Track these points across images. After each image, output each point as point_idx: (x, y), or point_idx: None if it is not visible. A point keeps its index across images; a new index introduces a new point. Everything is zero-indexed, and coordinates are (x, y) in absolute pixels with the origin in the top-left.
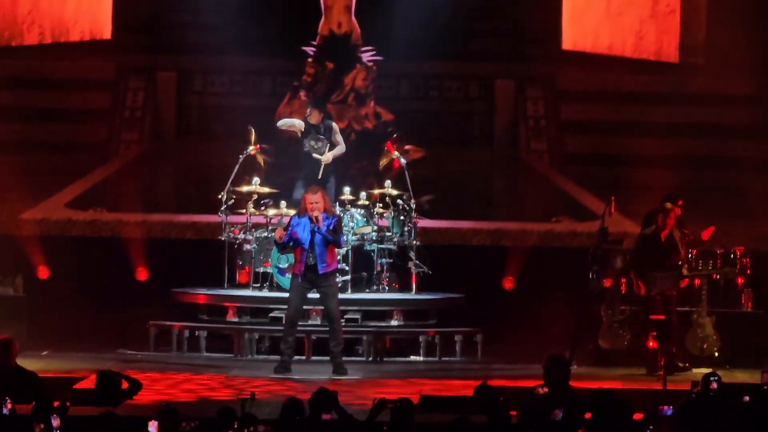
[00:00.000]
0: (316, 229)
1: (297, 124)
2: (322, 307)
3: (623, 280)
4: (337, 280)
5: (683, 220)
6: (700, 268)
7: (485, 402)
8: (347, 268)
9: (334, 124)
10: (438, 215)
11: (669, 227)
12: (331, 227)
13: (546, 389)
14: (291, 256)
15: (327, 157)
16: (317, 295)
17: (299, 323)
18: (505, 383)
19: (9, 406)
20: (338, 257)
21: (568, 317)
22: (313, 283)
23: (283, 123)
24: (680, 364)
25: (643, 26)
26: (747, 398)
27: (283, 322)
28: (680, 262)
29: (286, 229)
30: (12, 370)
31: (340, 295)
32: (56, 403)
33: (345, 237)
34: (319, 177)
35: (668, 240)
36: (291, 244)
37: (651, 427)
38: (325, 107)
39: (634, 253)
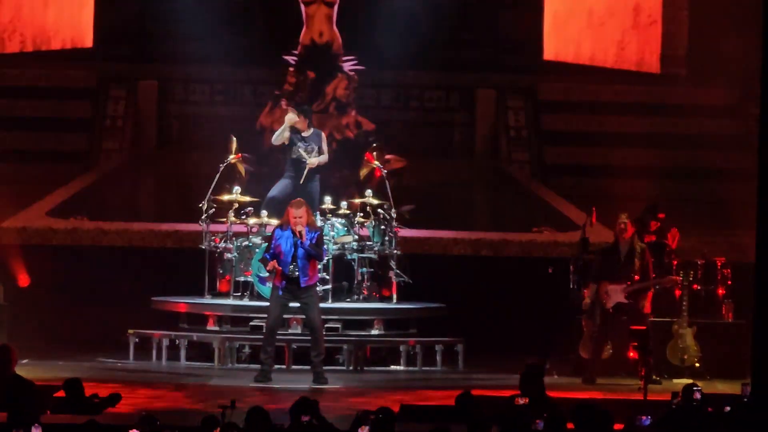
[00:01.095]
0: (299, 244)
1: (286, 134)
2: (304, 317)
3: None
4: (318, 289)
5: (664, 230)
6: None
7: (467, 411)
8: (328, 277)
9: (322, 132)
10: (419, 225)
11: (626, 240)
12: (314, 241)
13: (526, 399)
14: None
15: (312, 161)
16: (298, 304)
17: (280, 332)
18: (485, 393)
19: None
20: (319, 267)
21: (548, 327)
22: (294, 295)
23: (277, 138)
24: (655, 377)
25: (624, 37)
26: (728, 408)
27: (264, 332)
28: (633, 274)
29: (269, 241)
30: (10, 378)
31: (321, 305)
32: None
33: (326, 246)
34: (301, 182)
35: (628, 253)
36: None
37: None
38: (311, 114)
39: (594, 267)
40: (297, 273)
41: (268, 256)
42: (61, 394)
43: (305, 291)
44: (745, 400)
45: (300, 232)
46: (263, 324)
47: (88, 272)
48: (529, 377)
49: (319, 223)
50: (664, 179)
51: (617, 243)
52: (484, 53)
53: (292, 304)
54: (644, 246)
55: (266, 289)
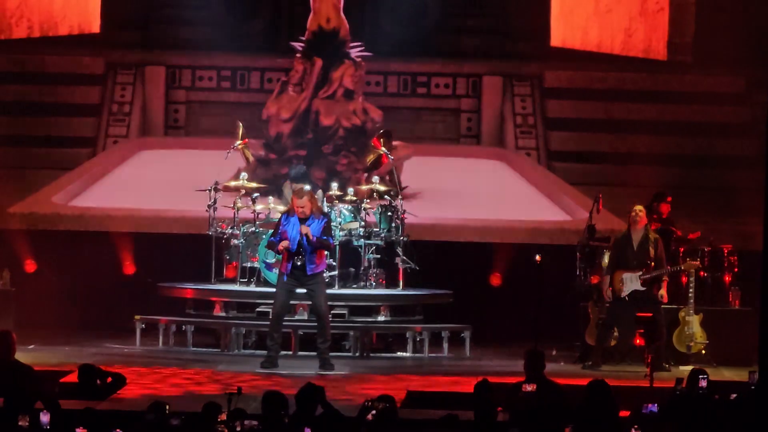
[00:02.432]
0: (305, 242)
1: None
2: (310, 303)
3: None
4: (325, 275)
5: (671, 218)
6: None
7: (484, 399)
8: (334, 263)
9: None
10: (426, 211)
11: (638, 230)
12: (320, 231)
13: (533, 386)
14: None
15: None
16: (304, 290)
17: (286, 318)
18: (492, 379)
19: None
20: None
21: (554, 314)
22: (301, 281)
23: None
24: (665, 364)
25: (632, 24)
26: (734, 396)
27: (270, 318)
28: (650, 262)
29: (276, 227)
30: (9, 364)
31: (328, 291)
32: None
33: (333, 232)
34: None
35: (641, 242)
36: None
37: (636, 427)
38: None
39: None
40: (302, 262)
41: (275, 240)
42: (68, 379)
43: (312, 278)
44: (753, 387)
45: (306, 234)
46: (269, 310)
47: (95, 258)
48: (530, 362)
49: (325, 210)
50: (670, 166)
51: (629, 232)
52: (490, 40)
53: (298, 290)
54: (658, 236)
55: (273, 275)
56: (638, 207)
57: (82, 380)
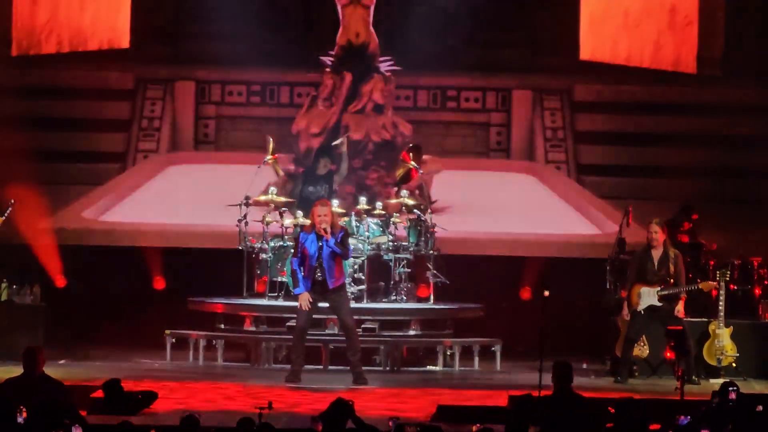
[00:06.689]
0: (324, 243)
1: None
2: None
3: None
4: (354, 289)
5: (697, 231)
6: (717, 279)
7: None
8: (364, 277)
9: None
10: (455, 225)
11: (657, 247)
12: (338, 240)
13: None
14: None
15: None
16: (326, 304)
17: (317, 332)
18: (522, 393)
19: (24, 414)
20: (354, 267)
21: (586, 327)
22: (323, 296)
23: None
24: (694, 378)
25: (661, 37)
26: (760, 408)
27: (294, 332)
28: (669, 279)
29: (295, 246)
30: (39, 378)
31: (358, 305)
32: (83, 413)
33: (360, 246)
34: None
35: (661, 259)
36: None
37: None
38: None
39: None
40: (322, 276)
41: (295, 261)
42: (98, 394)
43: (333, 292)
44: None
45: (325, 230)
46: None
47: (125, 272)
48: (558, 374)
49: (354, 224)
50: (700, 179)
51: (649, 248)
52: (520, 53)
53: (321, 305)
54: (678, 252)
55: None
56: (655, 227)
57: (108, 395)
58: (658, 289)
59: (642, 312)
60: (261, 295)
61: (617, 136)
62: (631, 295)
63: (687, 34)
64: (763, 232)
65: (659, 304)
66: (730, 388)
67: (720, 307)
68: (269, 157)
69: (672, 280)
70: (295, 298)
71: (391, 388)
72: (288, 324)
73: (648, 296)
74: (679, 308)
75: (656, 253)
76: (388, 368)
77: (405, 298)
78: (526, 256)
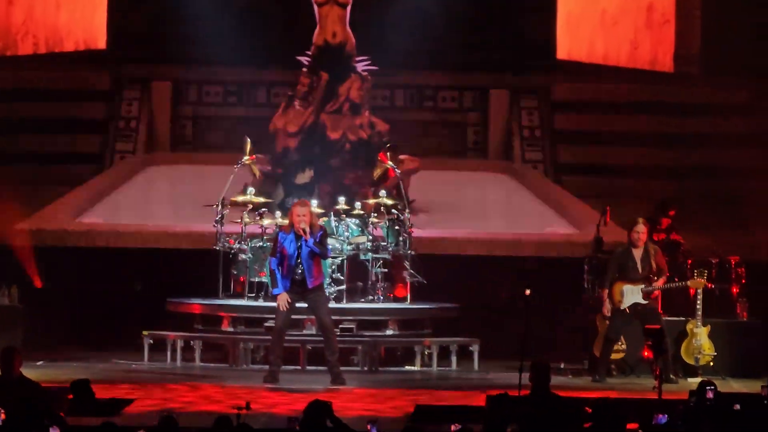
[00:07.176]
0: (303, 242)
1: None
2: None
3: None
4: (333, 290)
5: (676, 228)
6: (694, 277)
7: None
8: (342, 277)
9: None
10: (433, 225)
11: (639, 246)
12: (317, 239)
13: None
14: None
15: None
16: (305, 305)
17: (295, 333)
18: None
19: (2, 416)
20: (332, 267)
21: (563, 327)
22: (302, 296)
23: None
24: (672, 377)
25: (638, 36)
26: (738, 407)
27: (272, 333)
28: (653, 276)
29: (273, 246)
30: (15, 380)
31: (336, 305)
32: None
33: (340, 246)
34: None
35: (642, 257)
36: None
37: None
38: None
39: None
40: (301, 276)
41: (274, 260)
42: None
43: (312, 291)
44: (766, 402)
45: (304, 230)
46: None
47: (102, 273)
48: (535, 375)
49: (333, 224)
50: (677, 178)
51: (630, 248)
52: (497, 53)
53: (299, 305)
54: (657, 247)
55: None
56: (640, 228)
57: (77, 396)
58: (643, 286)
59: (626, 310)
60: (238, 296)
61: (594, 135)
62: (612, 293)
63: (664, 33)
64: (740, 231)
65: (644, 301)
66: (708, 387)
67: (698, 306)
68: (247, 157)
69: (655, 277)
70: (273, 298)
71: (369, 389)
72: (266, 324)
73: (632, 294)
74: (656, 304)
75: (637, 253)
76: (366, 368)
77: (381, 297)
78: (503, 255)
